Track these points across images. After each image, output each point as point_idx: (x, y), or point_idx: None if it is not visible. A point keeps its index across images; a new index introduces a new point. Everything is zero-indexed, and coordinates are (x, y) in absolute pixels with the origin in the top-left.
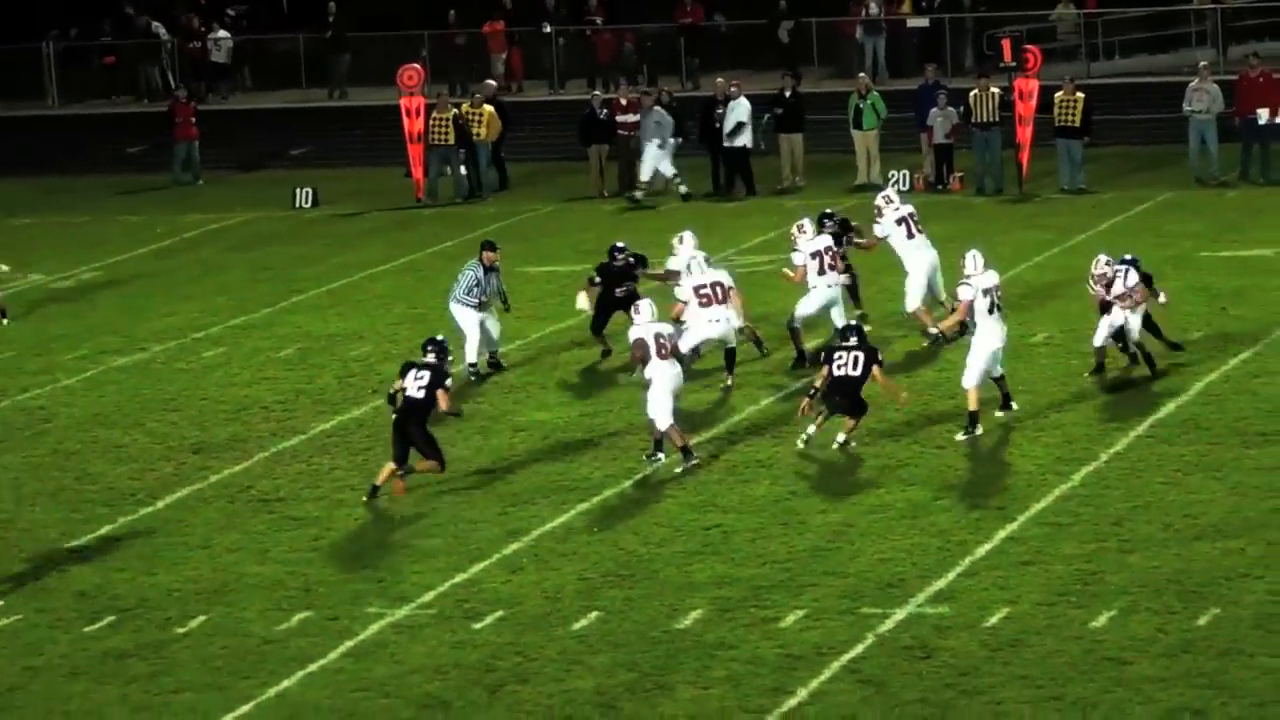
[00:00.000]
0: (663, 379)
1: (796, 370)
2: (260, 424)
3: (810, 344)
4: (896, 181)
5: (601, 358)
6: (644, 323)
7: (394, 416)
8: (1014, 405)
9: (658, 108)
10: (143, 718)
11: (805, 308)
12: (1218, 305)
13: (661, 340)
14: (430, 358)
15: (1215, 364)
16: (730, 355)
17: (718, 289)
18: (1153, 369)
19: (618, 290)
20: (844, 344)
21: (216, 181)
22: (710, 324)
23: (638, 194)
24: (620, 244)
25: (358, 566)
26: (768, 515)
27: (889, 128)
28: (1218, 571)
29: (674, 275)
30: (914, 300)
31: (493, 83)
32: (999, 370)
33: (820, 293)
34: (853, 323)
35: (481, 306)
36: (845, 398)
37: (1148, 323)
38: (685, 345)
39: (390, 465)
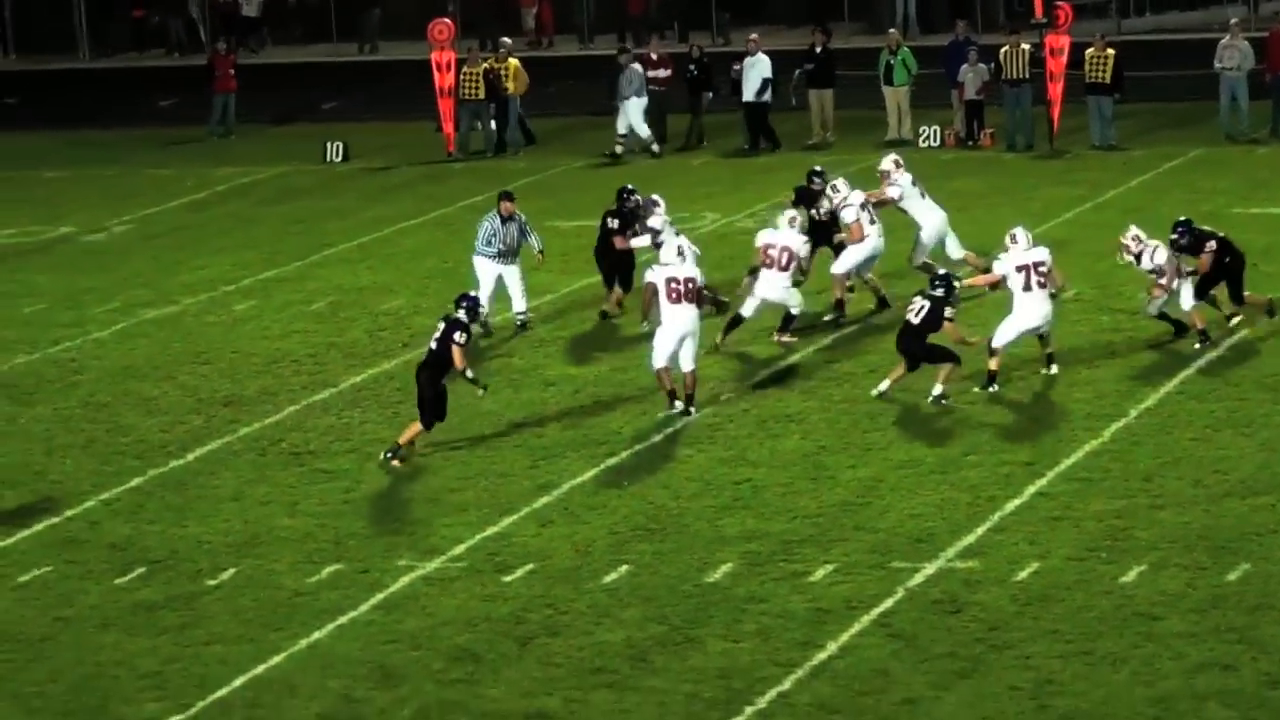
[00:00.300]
0: (671, 322)
1: (834, 320)
2: (291, 377)
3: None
4: (926, 137)
5: (617, 311)
6: (660, 265)
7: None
8: (1054, 368)
9: (635, 65)
10: (173, 669)
11: (854, 256)
12: (1248, 262)
13: (674, 284)
14: (460, 313)
15: (1246, 320)
16: (788, 319)
17: (785, 254)
18: (1204, 339)
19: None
20: (928, 292)
21: (247, 135)
22: (771, 288)
23: (618, 149)
24: (630, 186)
25: (388, 520)
26: (797, 470)
27: (920, 84)
28: (1248, 527)
29: (655, 234)
30: (845, 264)
31: (508, 40)
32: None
33: (871, 242)
34: (942, 271)
35: (502, 257)
36: (905, 345)
37: (1236, 287)
38: (748, 309)
39: (416, 425)
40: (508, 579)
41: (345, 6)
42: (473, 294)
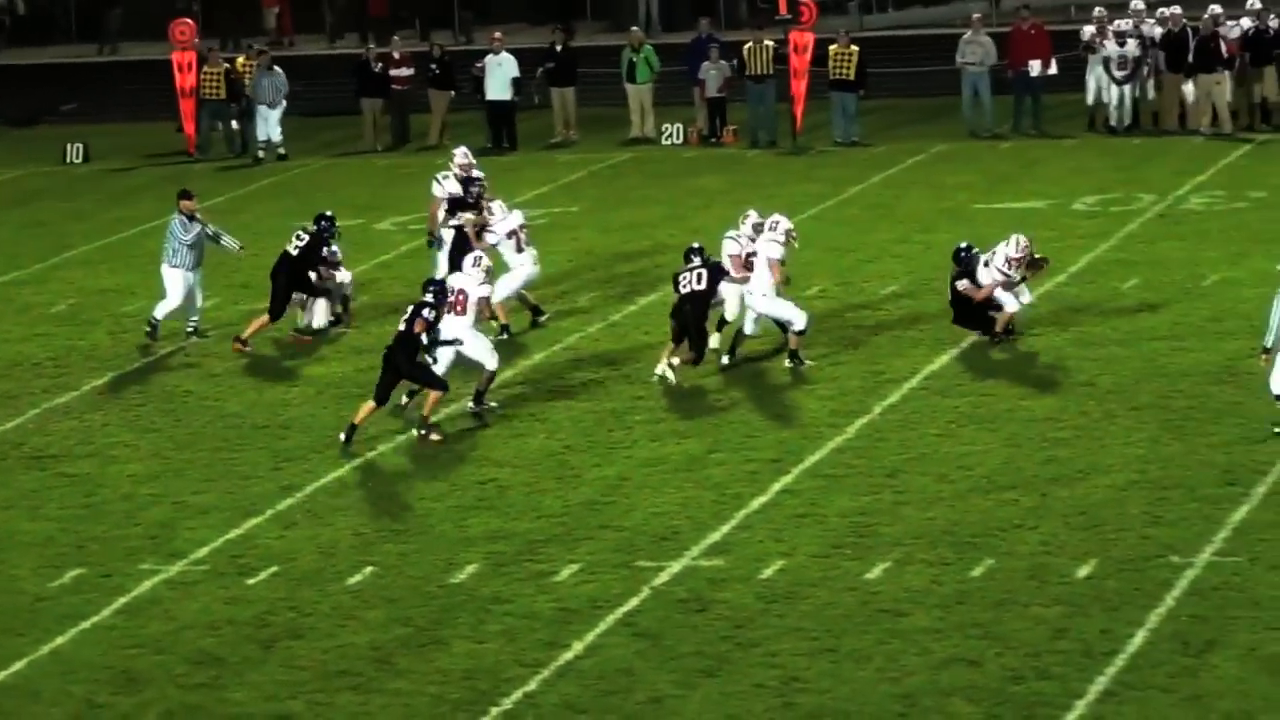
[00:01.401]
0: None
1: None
2: (32, 380)
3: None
4: (669, 134)
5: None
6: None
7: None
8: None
9: (276, 68)
10: None
11: (507, 286)
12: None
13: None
14: (426, 296)
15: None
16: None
17: (462, 297)
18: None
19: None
20: (688, 265)
21: None
22: (456, 333)
23: (260, 153)
24: (329, 213)
25: (130, 523)
26: (542, 469)
27: (663, 81)
28: (992, 522)
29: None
30: (500, 292)
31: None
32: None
33: (525, 269)
34: (695, 245)
35: (192, 265)
36: (694, 313)
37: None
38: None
39: (370, 404)
40: (251, 582)
41: (85, 7)
42: (439, 277)
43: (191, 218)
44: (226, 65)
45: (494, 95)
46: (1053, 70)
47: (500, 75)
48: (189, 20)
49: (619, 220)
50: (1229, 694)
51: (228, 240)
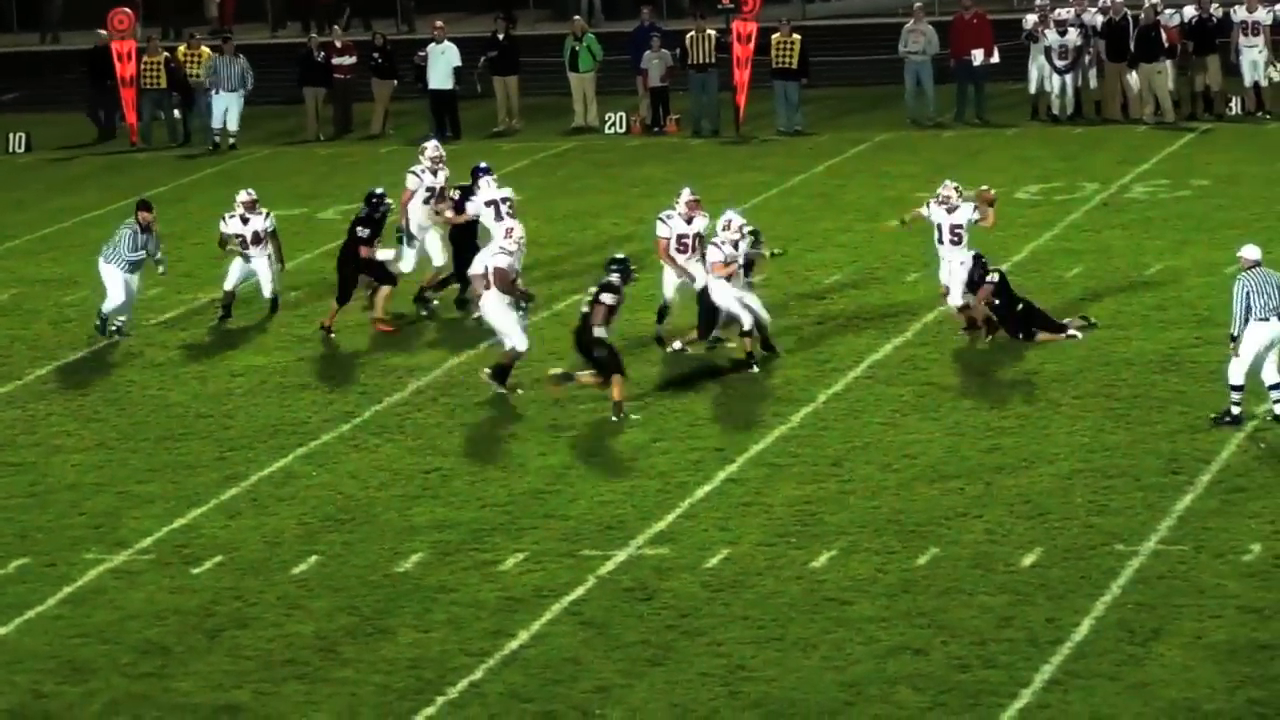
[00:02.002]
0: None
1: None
2: None
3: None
4: (612, 123)
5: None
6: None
7: None
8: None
9: (241, 56)
10: None
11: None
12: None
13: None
14: (613, 276)
15: (933, 305)
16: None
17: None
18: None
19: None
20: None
21: None
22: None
23: (216, 139)
24: (380, 191)
25: (75, 512)
26: (487, 458)
27: (606, 70)
28: (936, 511)
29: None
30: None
31: (108, 34)
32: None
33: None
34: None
35: (134, 267)
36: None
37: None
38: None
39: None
40: (196, 571)
41: None
42: (621, 256)
43: (147, 229)
44: (166, 54)
45: (436, 84)
46: (995, 59)
47: (442, 64)
48: (128, 10)
49: (562, 209)
50: (1174, 682)
51: (160, 263)
